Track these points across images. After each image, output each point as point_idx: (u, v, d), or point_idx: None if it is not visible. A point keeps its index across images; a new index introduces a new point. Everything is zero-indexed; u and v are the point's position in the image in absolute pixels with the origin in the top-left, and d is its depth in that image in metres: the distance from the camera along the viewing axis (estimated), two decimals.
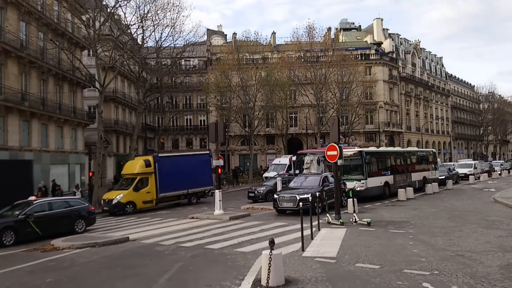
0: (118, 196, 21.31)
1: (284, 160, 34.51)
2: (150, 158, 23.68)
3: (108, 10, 27.09)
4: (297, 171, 24.17)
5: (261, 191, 23.35)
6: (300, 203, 11.29)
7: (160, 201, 23.13)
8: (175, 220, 17.61)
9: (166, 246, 11.57)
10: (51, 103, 30.89)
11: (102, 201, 22.32)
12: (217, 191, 18.34)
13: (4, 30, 25.54)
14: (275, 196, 17.37)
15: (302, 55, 45.46)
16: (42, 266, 10.00)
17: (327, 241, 11.09)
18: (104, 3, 26.28)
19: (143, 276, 8.60)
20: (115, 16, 29.75)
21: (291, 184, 18.82)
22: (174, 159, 25.79)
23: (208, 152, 28.05)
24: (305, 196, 15.53)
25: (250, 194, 23.84)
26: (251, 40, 44.78)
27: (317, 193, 15.43)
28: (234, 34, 56.01)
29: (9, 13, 26.10)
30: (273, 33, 58.89)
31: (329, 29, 54.22)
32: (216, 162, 19.66)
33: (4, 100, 25.12)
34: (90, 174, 26.06)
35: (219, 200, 17.86)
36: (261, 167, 46.81)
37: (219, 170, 19.23)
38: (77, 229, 15.36)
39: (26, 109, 27.38)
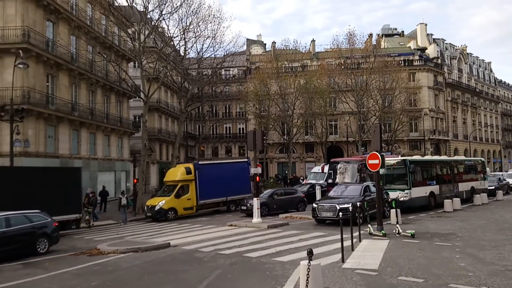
0: (160, 202, 21.89)
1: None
2: (190, 165, 24.18)
3: (153, 23, 28.17)
4: (329, 180, 23.64)
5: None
6: (340, 213, 11.06)
7: (200, 208, 23.50)
8: (214, 227, 17.82)
9: (205, 253, 11.73)
10: (99, 113, 32.42)
11: (145, 207, 23.02)
12: (255, 199, 18.38)
13: (56, 44, 27.20)
14: (314, 205, 17.11)
15: (342, 62, 44.88)
16: (88, 270, 10.42)
17: (369, 252, 10.78)
18: (148, 16, 27.32)
19: (183, 282, 8.75)
20: (159, 29, 30.85)
21: (331, 193, 18.50)
22: (214, 167, 26.16)
23: (246, 159, 28.23)
24: (345, 205, 15.22)
25: (242, 207, 21.51)
26: (290, 48, 44.82)
27: (358, 203, 15.09)
28: (273, 43, 56.39)
29: (61, 28, 27.78)
30: (313, 40, 58.73)
31: (371, 35, 53.29)
32: (254, 170, 19.71)
33: (56, 110, 26.66)
34: (135, 181, 26.97)
35: (257, 208, 17.89)
36: (288, 175, 46.22)
37: (257, 178, 19.27)
38: (39, 249, 12.97)
39: (75, 118, 28.89)
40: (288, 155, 43.76)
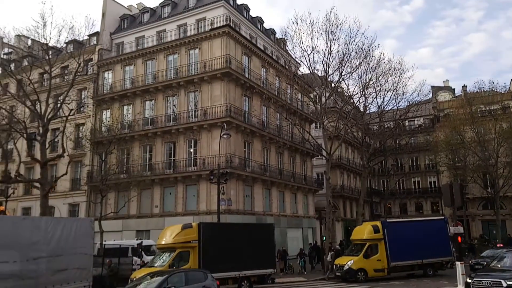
0: (349, 262, 21.35)
1: None
2: (378, 223, 23.09)
3: (333, 85, 29.59)
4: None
5: None
6: None
7: (392, 271, 21.83)
8: None
9: None
10: (286, 173, 34.92)
11: (334, 266, 22.80)
12: (458, 263, 16.07)
13: (251, 114, 31.23)
14: (468, 280, 12.78)
15: None
16: None
17: None
18: (329, 79, 28.88)
19: None
20: (339, 89, 32.13)
21: (494, 263, 13.92)
22: (404, 225, 24.34)
23: (443, 217, 25.33)
24: None
25: None
26: (485, 90, 39.83)
27: None
28: (464, 86, 51.26)
29: (254, 101, 31.93)
30: None
31: None
32: (455, 229, 17.49)
33: (251, 172, 29.98)
34: (320, 239, 27.28)
35: (462, 274, 15.51)
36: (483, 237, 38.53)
37: (459, 238, 16.93)
38: None
39: (267, 178, 31.76)
40: (495, 212, 37.26)
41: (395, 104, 32.37)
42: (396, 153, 48.22)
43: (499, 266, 13.50)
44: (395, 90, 30.75)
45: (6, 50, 41.95)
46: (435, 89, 59.09)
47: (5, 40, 34.27)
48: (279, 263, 23.62)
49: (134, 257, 22.21)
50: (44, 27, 23.59)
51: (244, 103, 30.97)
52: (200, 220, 23.19)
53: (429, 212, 51.28)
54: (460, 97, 50.58)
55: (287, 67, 30.49)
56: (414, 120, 51.18)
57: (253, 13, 38.68)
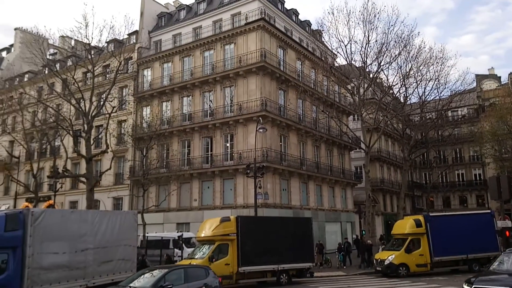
0: (390, 256, 20.88)
1: None
2: (420, 217, 22.40)
3: (371, 75, 28.85)
4: None
5: None
6: None
7: (435, 266, 21.16)
8: None
9: None
10: (323, 166, 34.54)
11: (374, 260, 22.42)
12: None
13: (286, 108, 31.08)
14: (466, 287, 10.61)
15: None
16: None
17: None
18: (367, 70, 28.19)
19: None
20: (377, 80, 31.29)
21: (496, 266, 11.63)
22: (448, 219, 23.43)
23: (489, 211, 24.21)
24: None
25: None
26: None
27: None
28: (511, 74, 48.53)
29: (290, 94, 31.73)
30: None
31: None
32: (502, 223, 16.72)
33: (287, 166, 29.90)
34: (360, 233, 26.80)
35: None
36: None
37: (507, 232, 16.17)
38: None
39: (304, 172, 31.56)
40: None
41: (437, 94, 31.18)
42: (438, 145, 46.47)
43: (504, 269, 11.15)
44: (437, 80, 29.61)
45: (51, 50, 44.04)
46: (480, 78, 56.30)
47: (50, 41, 35.91)
48: (317, 256, 23.48)
49: (175, 249, 22.84)
50: (86, 28, 24.55)
51: (279, 97, 30.86)
52: (238, 214, 23.43)
53: (474, 205, 49.23)
54: (507, 85, 48.04)
55: (323, 58, 30.03)
56: (458, 110, 49.08)
57: (288, 5, 38.40)
